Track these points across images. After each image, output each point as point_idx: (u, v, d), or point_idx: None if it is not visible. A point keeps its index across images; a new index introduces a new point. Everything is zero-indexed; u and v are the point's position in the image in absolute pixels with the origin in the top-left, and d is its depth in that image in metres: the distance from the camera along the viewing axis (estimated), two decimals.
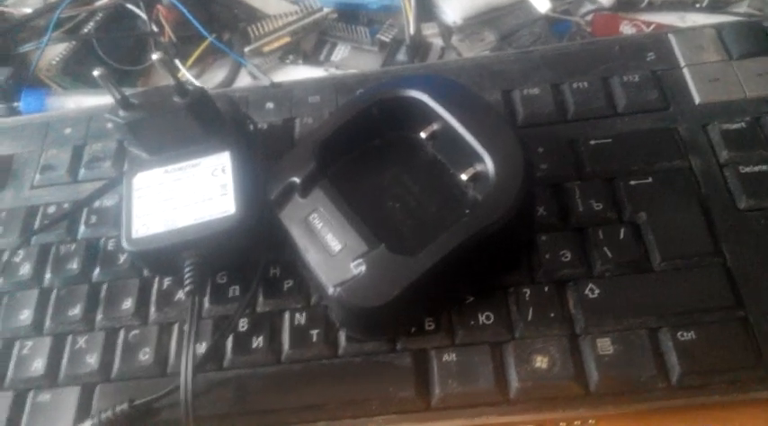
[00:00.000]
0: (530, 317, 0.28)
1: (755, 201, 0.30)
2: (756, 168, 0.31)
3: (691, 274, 0.29)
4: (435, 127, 0.30)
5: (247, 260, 0.31)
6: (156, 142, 0.31)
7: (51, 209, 0.35)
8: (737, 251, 0.29)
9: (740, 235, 0.29)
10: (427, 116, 0.30)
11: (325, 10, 0.45)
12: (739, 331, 0.27)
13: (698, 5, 0.43)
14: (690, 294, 0.28)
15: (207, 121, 0.31)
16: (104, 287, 0.32)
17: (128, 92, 0.30)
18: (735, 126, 0.32)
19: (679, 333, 0.27)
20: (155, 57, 0.29)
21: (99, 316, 0.31)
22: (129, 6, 0.46)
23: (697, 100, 0.34)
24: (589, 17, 0.42)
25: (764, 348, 0.27)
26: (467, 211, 0.28)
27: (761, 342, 0.27)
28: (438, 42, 0.44)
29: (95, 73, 0.28)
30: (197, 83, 0.43)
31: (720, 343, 0.27)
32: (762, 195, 0.30)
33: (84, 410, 0.29)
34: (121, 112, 0.30)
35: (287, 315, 0.30)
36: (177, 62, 0.43)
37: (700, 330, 0.27)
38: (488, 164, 0.27)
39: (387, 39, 0.44)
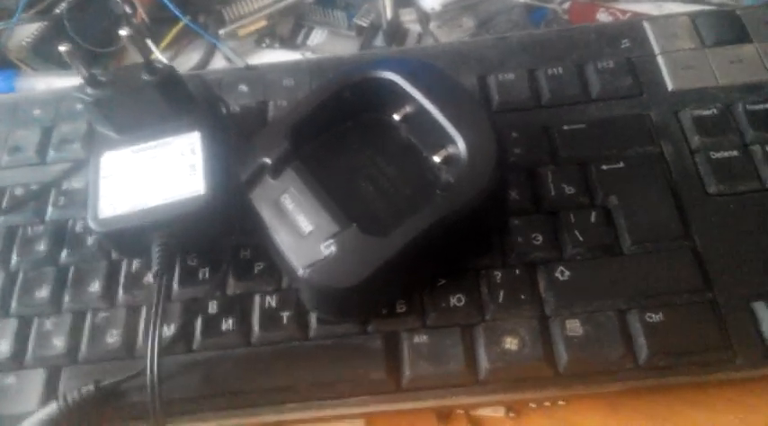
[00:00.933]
0: (501, 299, 0.28)
1: (725, 186, 0.30)
2: (726, 154, 0.31)
3: (660, 257, 0.29)
4: (408, 109, 0.30)
5: (218, 242, 0.31)
6: (125, 121, 0.30)
7: (19, 191, 0.35)
8: (707, 235, 0.29)
9: (709, 220, 0.30)
10: (400, 98, 0.30)
11: None
12: (707, 313, 0.27)
13: None
14: (659, 277, 0.28)
15: (176, 100, 0.30)
16: (72, 269, 0.32)
17: (97, 71, 0.30)
18: (706, 112, 0.33)
19: (647, 315, 0.27)
20: (123, 33, 0.28)
21: (66, 299, 0.31)
22: None
23: (670, 86, 0.34)
24: (566, 5, 0.42)
25: (732, 330, 0.27)
26: (438, 192, 0.28)
27: (728, 324, 0.27)
28: (416, 28, 0.44)
29: (62, 48, 0.28)
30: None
31: (689, 325, 0.27)
32: (731, 180, 0.30)
33: (49, 392, 0.29)
34: (89, 90, 0.29)
35: (257, 298, 0.30)
36: (150, 44, 0.43)
37: (668, 312, 0.27)
38: (460, 146, 0.27)
39: (364, 24, 0.44)
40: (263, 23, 0.44)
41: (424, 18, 0.44)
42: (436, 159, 0.29)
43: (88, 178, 0.30)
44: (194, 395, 0.28)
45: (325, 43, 0.44)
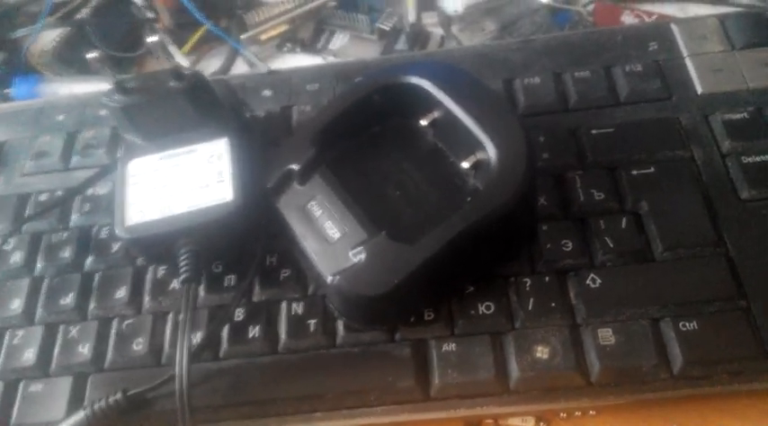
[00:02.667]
0: (530, 307, 0.28)
1: (757, 191, 0.30)
2: (758, 158, 0.31)
3: (692, 264, 0.28)
4: (436, 114, 0.30)
5: (244, 248, 0.30)
6: (152, 127, 0.30)
7: (43, 197, 0.35)
8: (739, 241, 0.29)
9: (742, 226, 0.29)
10: (428, 103, 0.30)
11: None
12: (741, 321, 0.27)
13: None
14: (692, 284, 0.28)
15: (204, 107, 0.30)
16: (97, 275, 0.32)
17: (124, 77, 0.30)
18: (737, 116, 0.32)
19: (681, 324, 0.27)
20: (150, 40, 0.28)
21: (92, 306, 0.31)
22: None
23: (699, 90, 0.33)
24: (590, 7, 0.42)
25: (766, 338, 0.27)
26: (468, 199, 0.28)
27: (763, 333, 0.27)
28: (438, 31, 0.44)
29: (90, 55, 0.28)
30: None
31: (722, 334, 0.27)
32: (764, 185, 0.30)
33: (76, 400, 0.29)
34: (117, 96, 0.29)
35: (284, 305, 0.29)
36: (173, 49, 0.43)
37: (702, 320, 0.27)
38: (490, 152, 0.27)
39: (386, 28, 0.43)
40: (284, 28, 0.44)
41: (446, 21, 0.43)
42: (465, 165, 0.29)
43: (115, 185, 0.30)
44: (221, 403, 0.28)
45: (346, 47, 0.44)
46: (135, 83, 0.30)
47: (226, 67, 0.43)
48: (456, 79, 0.30)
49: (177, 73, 0.29)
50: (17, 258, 0.33)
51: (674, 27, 0.36)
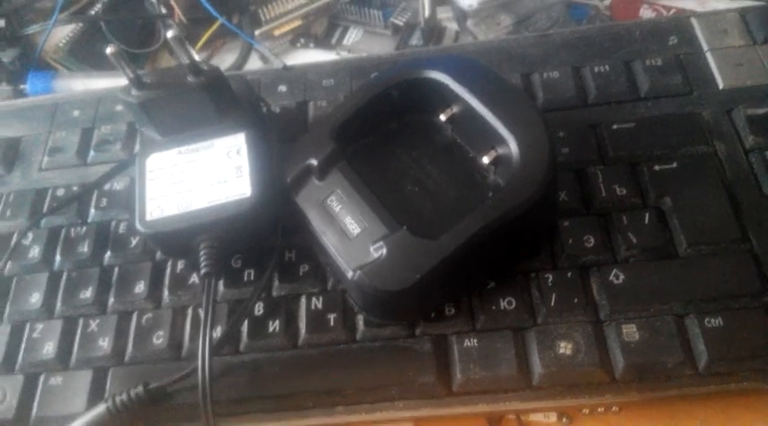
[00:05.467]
0: (552, 303, 0.28)
1: None
2: None
3: (717, 260, 0.28)
4: (455, 109, 0.30)
5: (263, 243, 0.30)
6: (170, 122, 0.30)
7: (60, 192, 0.35)
8: (764, 236, 0.28)
9: (767, 221, 0.29)
10: (447, 98, 0.29)
11: None
12: (767, 317, 0.27)
13: None
14: (716, 280, 0.27)
15: (221, 101, 0.30)
16: (116, 270, 0.32)
17: (141, 72, 0.30)
18: (760, 111, 0.32)
19: (706, 320, 0.26)
20: (169, 34, 0.28)
21: (111, 300, 0.31)
22: None
23: (721, 84, 0.33)
24: (608, 1, 0.41)
25: None
26: (490, 194, 0.28)
27: None
28: (453, 26, 0.43)
29: (108, 50, 0.28)
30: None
31: (748, 330, 0.26)
32: None
33: (97, 393, 0.29)
34: (134, 91, 0.29)
35: (303, 299, 0.29)
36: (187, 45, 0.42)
37: (727, 317, 0.27)
38: (512, 147, 0.27)
39: (400, 23, 0.43)
40: (298, 23, 0.44)
41: (461, 16, 0.43)
42: (485, 160, 0.28)
43: (135, 179, 0.30)
44: (242, 397, 0.28)
45: (360, 42, 0.44)
46: (152, 78, 0.29)
47: (239, 63, 0.43)
48: (475, 73, 0.29)
49: (195, 68, 0.29)
50: (35, 253, 0.33)
51: (693, 21, 0.36)
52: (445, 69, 0.30)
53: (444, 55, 0.36)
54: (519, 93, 0.29)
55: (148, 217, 0.28)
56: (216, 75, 0.30)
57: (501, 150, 0.28)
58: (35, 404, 0.29)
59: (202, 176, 0.29)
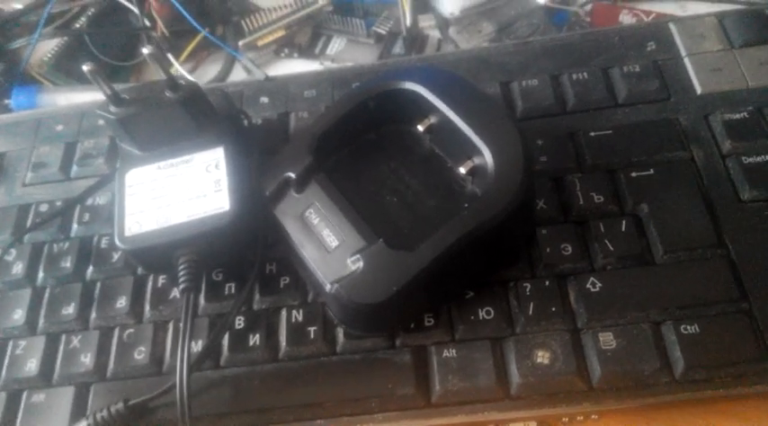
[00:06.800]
0: (530, 312, 0.28)
1: (759, 192, 0.30)
2: (759, 158, 0.31)
3: (694, 267, 0.28)
4: (432, 120, 0.30)
5: (243, 257, 0.30)
6: (149, 138, 0.30)
7: (44, 207, 0.35)
8: (741, 242, 0.29)
9: (743, 227, 0.29)
10: (424, 109, 0.30)
11: (320, 2, 0.44)
12: (744, 323, 0.27)
13: None
14: (693, 287, 0.28)
15: (200, 116, 0.30)
16: (98, 285, 0.32)
17: (120, 87, 0.30)
18: (737, 116, 0.32)
19: (682, 327, 0.27)
20: (145, 51, 0.28)
21: (93, 315, 0.31)
22: (121, 1, 0.45)
23: (699, 90, 0.33)
24: (588, 7, 0.42)
25: None
26: (465, 205, 0.28)
27: (765, 335, 0.27)
28: (435, 34, 0.44)
29: (85, 67, 0.28)
30: (190, 77, 0.42)
31: (725, 336, 0.26)
32: (765, 186, 0.30)
33: (79, 410, 0.29)
34: (112, 108, 0.29)
35: (284, 313, 0.29)
36: (170, 57, 0.43)
37: (703, 323, 0.27)
38: (487, 157, 0.27)
39: (383, 32, 0.43)
40: (281, 33, 0.44)
41: (443, 24, 0.43)
42: (462, 171, 0.29)
43: (113, 195, 0.30)
44: (223, 412, 0.28)
45: (344, 52, 0.44)
46: (130, 94, 0.30)
47: (223, 75, 0.44)
48: (451, 84, 0.29)
49: (172, 83, 0.29)
50: (19, 268, 0.33)
51: (672, 26, 0.36)
52: (422, 80, 0.30)
53: (422, 66, 0.36)
54: (494, 103, 0.30)
55: (127, 233, 0.28)
56: (194, 89, 0.30)
57: (477, 160, 0.28)
58: (18, 422, 0.29)
59: (181, 191, 0.29)
